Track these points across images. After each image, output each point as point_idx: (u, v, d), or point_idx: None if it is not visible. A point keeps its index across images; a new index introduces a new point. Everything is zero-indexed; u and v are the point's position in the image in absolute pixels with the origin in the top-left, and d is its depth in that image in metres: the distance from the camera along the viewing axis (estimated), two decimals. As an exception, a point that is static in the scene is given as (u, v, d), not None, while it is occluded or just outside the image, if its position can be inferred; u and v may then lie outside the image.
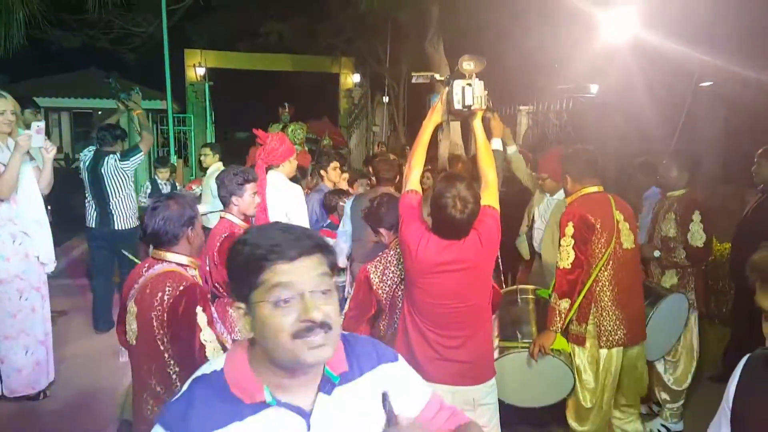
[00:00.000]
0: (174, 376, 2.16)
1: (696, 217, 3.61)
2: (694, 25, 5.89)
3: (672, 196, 3.81)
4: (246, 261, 1.12)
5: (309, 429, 1.14)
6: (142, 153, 5.37)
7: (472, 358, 2.55)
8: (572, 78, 7.93)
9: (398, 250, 2.79)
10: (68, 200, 9.60)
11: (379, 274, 2.79)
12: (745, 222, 4.19)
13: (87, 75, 15.20)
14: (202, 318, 2.13)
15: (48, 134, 14.63)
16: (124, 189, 5.33)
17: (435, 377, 2.50)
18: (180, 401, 1.15)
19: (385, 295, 2.78)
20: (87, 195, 5.39)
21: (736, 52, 5.95)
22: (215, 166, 6.42)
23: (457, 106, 2.70)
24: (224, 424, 1.11)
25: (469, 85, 2.68)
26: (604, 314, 3.12)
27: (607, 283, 3.12)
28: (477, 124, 2.79)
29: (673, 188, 3.81)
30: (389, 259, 2.82)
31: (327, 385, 1.18)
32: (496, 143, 3.47)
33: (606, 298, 3.11)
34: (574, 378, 3.15)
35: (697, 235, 3.59)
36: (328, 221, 4.87)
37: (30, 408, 4.01)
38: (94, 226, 5.38)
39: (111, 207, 5.29)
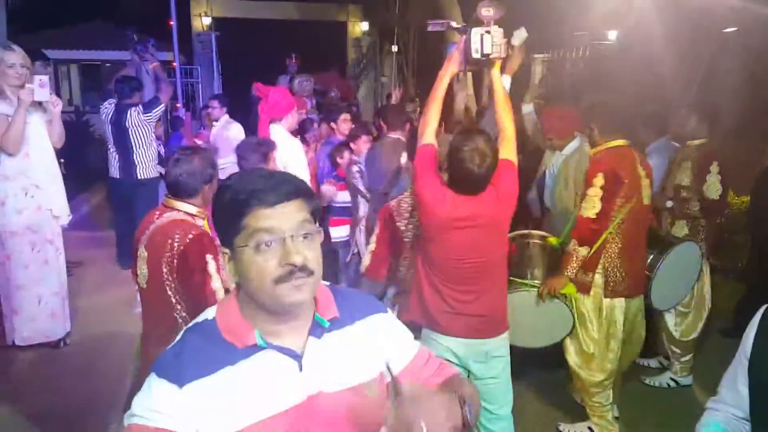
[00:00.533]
0: (180, 321, 2.23)
1: (714, 168, 3.57)
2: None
3: (691, 145, 3.74)
4: (228, 206, 1.14)
5: (301, 370, 1.17)
6: (162, 104, 5.59)
7: (486, 312, 2.55)
8: (589, 24, 7.69)
9: None
10: (80, 153, 9.64)
11: (401, 210, 2.80)
12: (765, 175, 4.11)
13: (94, 27, 14.99)
14: (212, 265, 2.19)
15: (57, 87, 14.57)
16: (147, 140, 5.57)
17: (448, 330, 2.53)
18: (173, 349, 1.17)
19: (409, 233, 2.78)
20: (109, 146, 5.65)
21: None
22: (223, 119, 6.45)
23: (476, 54, 2.60)
24: (217, 369, 1.13)
25: (488, 32, 2.57)
26: (611, 265, 3.16)
27: (619, 236, 3.14)
28: (495, 74, 2.69)
29: (692, 138, 3.75)
30: (412, 196, 2.82)
31: (317, 329, 1.21)
32: (506, 81, 3.32)
33: (615, 250, 3.14)
34: (574, 322, 3.21)
35: (713, 187, 3.55)
36: (335, 173, 4.88)
37: (48, 356, 4.11)
38: (117, 176, 5.67)
39: (134, 158, 5.54)
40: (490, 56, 2.60)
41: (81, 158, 9.29)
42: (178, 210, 2.33)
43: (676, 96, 6.33)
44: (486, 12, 2.57)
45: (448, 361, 2.55)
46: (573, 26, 8.04)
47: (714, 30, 6.57)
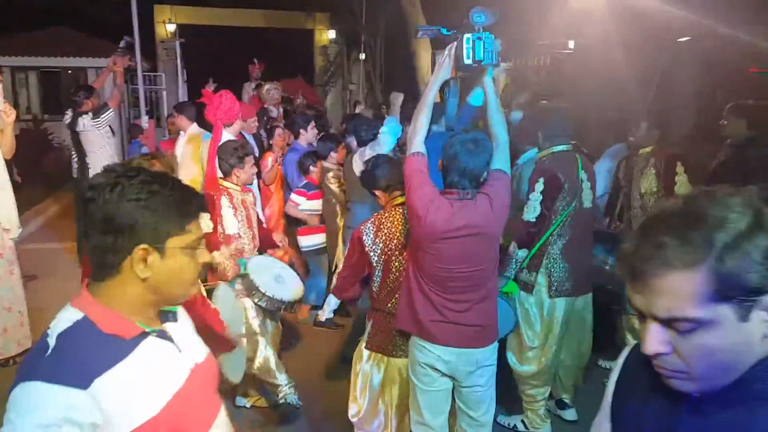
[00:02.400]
0: None
1: (680, 168, 3.67)
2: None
3: (644, 152, 3.84)
4: (177, 206, 1.19)
5: (180, 351, 1.27)
6: (111, 110, 5.82)
7: (478, 322, 2.54)
8: (550, 34, 7.83)
9: (393, 212, 2.76)
10: (39, 161, 9.38)
11: (371, 235, 2.73)
12: (712, 178, 4.20)
13: (54, 33, 14.62)
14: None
15: (15, 94, 14.15)
16: (99, 144, 5.80)
17: (440, 339, 2.52)
18: (55, 355, 1.11)
19: (377, 257, 2.74)
20: (72, 150, 6.07)
21: (713, 6, 5.91)
22: (189, 129, 6.33)
23: (467, 61, 2.51)
24: (115, 362, 1.14)
25: (480, 39, 2.51)
26: (554, 266, 3.26)
27: (560, 238, 3.24)
28: (487, 81, 2.63)
29: (644, 145, 3.86)
30: (383, 220, 2.76)
31: (170, 314, 1.32)
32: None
33: (558, 252, 3.25)
34: (516, 320, 3.27)
35: (684, 187, 3.66)
36: (305, 181, 4.86)
37: (3, 374, 3.98)
38: (77, 176, 6.02)
39: (88, 161, 5.83)
40: (482, 63, 2.54)
41: (39, 167, 9.06)
42: None
43: (634, 102, 6.48)
44: (478, 18, 2.51)
45: (436, 370, 2.57)
46: (535, 35, 8.18)
47: (669, 39, 6.76)
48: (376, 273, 2.77)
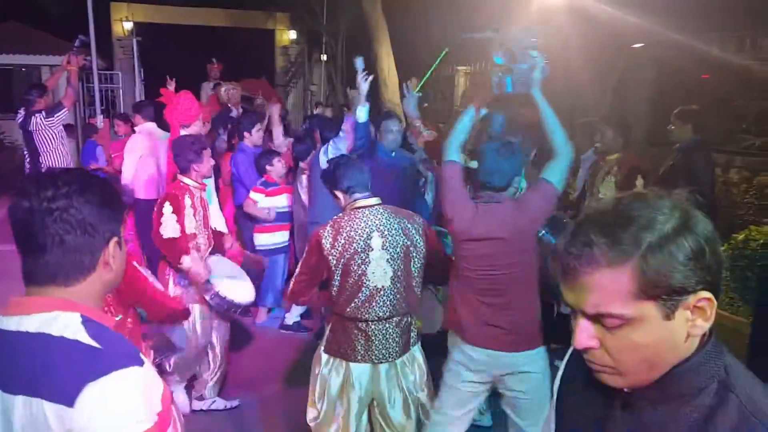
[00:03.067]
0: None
1: (639, 182, 3.78)
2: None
3: (611, 159, 3.95)
4: (117, 202, 1.30)
5: None
6: (65, 109, 5.67)
7: (510, 326, 2.58)
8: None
9: (352, 215, 2.70)
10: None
11: (330, 239, 2.69)
12: (661, 181, 4.35)
13: (6, 29, 14.13)
14: (143, 271, 2.23)
15: (-38, 92, 13.57)
16: (53, 144, 5.68)
17: (473, 340, 2.60)
18: (107, 346, 1.15)
19: (335, 261, 2.69)
20: (24, 151, 5.91)
21: (667, 14, 6.11)
22: (141, 125, 6.23)
23: (495, 92, 2.61)
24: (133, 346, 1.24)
25: (509, 70, 2.54)
26: None
27: None
28: (535, 94, 2.65)
29: (611, 152, 3.98)
30: (342, 224, 2.70)
31: None
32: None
33: None
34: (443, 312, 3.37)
35: None
36: (262, 179, 4.84)
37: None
38: None
39: (41, 161, 5.69)
40: (513, 92, 2.61)
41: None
42: None
43: (593, 105, 6.65)
44: (500, 60, 2.58)
45: (466, 367, 2.62)
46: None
47: (624, 45, 6.96)
48: (335, 277, 2.72)
